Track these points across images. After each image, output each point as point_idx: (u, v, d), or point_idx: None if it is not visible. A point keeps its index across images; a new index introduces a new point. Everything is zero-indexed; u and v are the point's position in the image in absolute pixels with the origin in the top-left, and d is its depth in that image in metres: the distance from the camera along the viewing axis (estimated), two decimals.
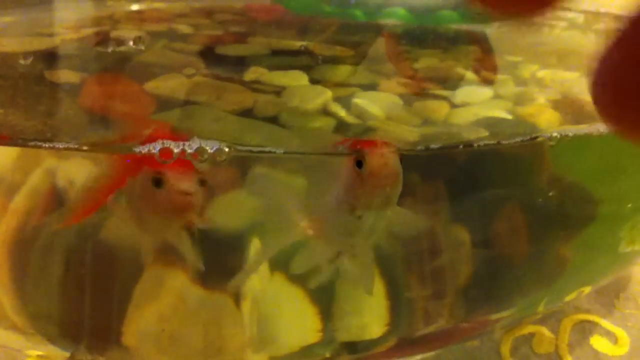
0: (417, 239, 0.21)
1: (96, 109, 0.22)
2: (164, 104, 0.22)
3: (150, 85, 0.23)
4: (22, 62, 0.24)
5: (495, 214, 0.22)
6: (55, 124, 0.21)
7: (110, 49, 0.26)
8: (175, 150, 0.17)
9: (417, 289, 0.23)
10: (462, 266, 0.23)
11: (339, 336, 0.22)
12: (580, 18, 0.38)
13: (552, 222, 0.23)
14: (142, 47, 0.27)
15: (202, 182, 0.17)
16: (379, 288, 0.22)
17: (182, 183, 0.16)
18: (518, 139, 0.21)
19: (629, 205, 0.25)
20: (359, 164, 0.17)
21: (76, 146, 0.19)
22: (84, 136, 0.20)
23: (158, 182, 0.17)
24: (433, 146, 0.19)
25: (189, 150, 0.17)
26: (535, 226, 0.23)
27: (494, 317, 0.25)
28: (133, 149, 0.17)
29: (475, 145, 0.20)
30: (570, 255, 0.25)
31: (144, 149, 0.16)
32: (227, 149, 0.17)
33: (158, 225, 0.18)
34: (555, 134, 0.21)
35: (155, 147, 0.17)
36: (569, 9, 0.38)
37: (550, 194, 0.23)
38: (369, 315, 0.22)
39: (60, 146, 0.18)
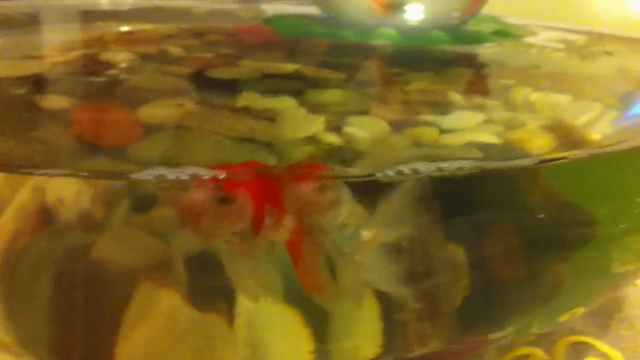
0: (411, 259, 0.21)
1: (85, 136, 0.22)
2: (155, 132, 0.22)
3: (141, 113, 0.23)
4: (9, 87, 0.24)
5: (488, 234, 0.22)
6: (45, 150, 0.20)
7: (100, 72, 0.26)
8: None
9: (411, 309, 0.23)
10: (456, 287, 0.23)
11: (332, 358, 0.22)
12: (581, 40, 0.38)
13: (547, 243, 0.23)
14: (133, 70, 0.26)
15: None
16: (373, 308, 0.21)
17: None
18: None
19: (622, 226, 0.25)
20: None
21: (67, 173, 0.19)
22: (75, 163, 0.20)
23: None
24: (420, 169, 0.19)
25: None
26: (529, 248, 0.23)
27: (487, 338, 0.25)
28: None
29: (468, 165, 0.20)
30: (564, 276, 0.25)
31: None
32: None
33: None
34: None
35: None
36: (570, 31, 0.38)
37: (545, 215, 0.23)
38: (363, 337, 0.22)
39: (54, 172, 0.19)
